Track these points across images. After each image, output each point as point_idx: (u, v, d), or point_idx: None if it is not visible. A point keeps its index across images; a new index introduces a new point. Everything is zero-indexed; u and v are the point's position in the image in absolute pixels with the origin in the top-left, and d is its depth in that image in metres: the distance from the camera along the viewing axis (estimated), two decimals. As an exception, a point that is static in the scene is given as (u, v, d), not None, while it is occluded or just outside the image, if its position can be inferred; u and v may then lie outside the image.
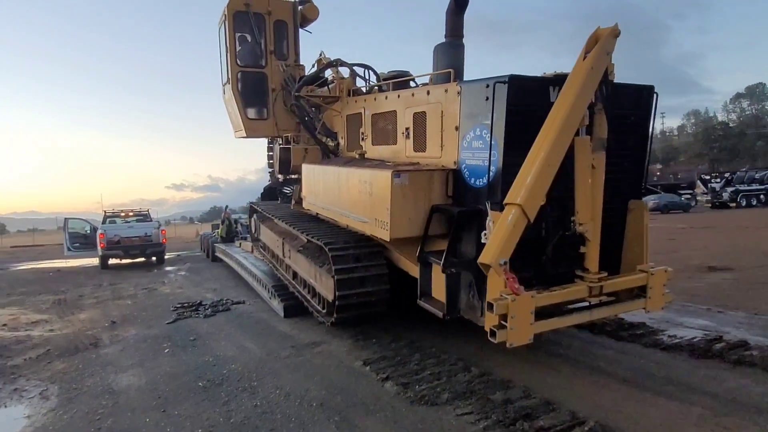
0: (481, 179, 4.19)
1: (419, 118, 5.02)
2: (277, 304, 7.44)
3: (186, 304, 8.50)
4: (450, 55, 5.32)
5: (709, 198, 32.27)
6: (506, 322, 3.55)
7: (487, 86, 3.99)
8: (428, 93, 4.93)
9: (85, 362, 5.62)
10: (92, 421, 4.01)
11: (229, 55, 7.88)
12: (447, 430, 3.28)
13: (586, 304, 4.15)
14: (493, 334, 3.63)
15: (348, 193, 5.41)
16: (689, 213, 30.17)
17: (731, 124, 62.91)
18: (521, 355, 4.64)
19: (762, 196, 30.49)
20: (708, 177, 34.54)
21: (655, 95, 4.61)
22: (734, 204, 30.13)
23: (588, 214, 3.95)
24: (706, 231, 17.04)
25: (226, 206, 19.24)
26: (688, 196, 35.98)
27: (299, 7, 8.35)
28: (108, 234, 15.87)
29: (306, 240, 6.38)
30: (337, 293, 5.26)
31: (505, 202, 3.47)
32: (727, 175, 33.39)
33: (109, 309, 8.83)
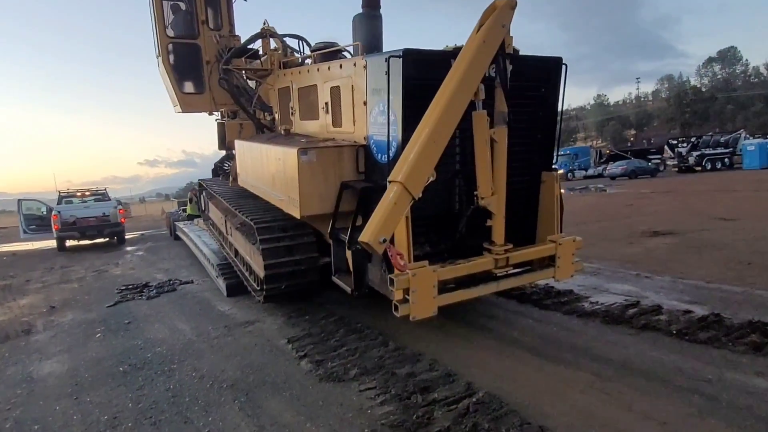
0: (384, 155, 4.13)
1: (335, 93, 4.91)
2: (221, 283, 7.38)
3: (131, 286, 8.37)
4: (366, 27, 5.18)
5: (676, 162, 32.91)
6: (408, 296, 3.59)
7: (386, 60, 3.88)
8: (341, 67, 4.81)
9: (12, 350, 5.49)
10: (1, 411, 3.94)
11: (157, 25, 7.52)
12: (346, 406, 3.30)
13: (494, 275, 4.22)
14: (396, 308, 3.70)
15: (268, 170, 5.34)
16: (657, 178, 30.80)
17: (703, 89, 63.69)
18: (441, 328, 4.70)
19: (726, 160, 31.23)
20: (675, 142, 35.11)
21: (564, 67, 4.58)
22: (700, 168, 30.81)
23: (489, 188, 3.97)
24: (666, 196, 17.41)
25: (196, 182, 18.86)
26: (657, 161, 36.63)
27: None
28: (63, 215, 15.41)
29: (241, 217, 6.30)
30: (264, 263, 5.25)
31: (388, 179, 3.42)
32: (693, 139, 34.01)
33: (53, 293, 8.63)
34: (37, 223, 17.05)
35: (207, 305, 6.68)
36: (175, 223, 15.51)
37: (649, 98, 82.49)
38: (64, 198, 17.35)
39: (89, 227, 15.65)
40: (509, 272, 4.31)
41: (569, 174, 37.82)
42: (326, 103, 5.09)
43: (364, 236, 3.32)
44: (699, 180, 23.82)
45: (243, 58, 6.89)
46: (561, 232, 4.78)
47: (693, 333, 3.97)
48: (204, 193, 10.63)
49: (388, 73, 3.89)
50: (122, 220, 16.44)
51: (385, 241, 3.32)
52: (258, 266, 5.64)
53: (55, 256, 14.63)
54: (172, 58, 7.71)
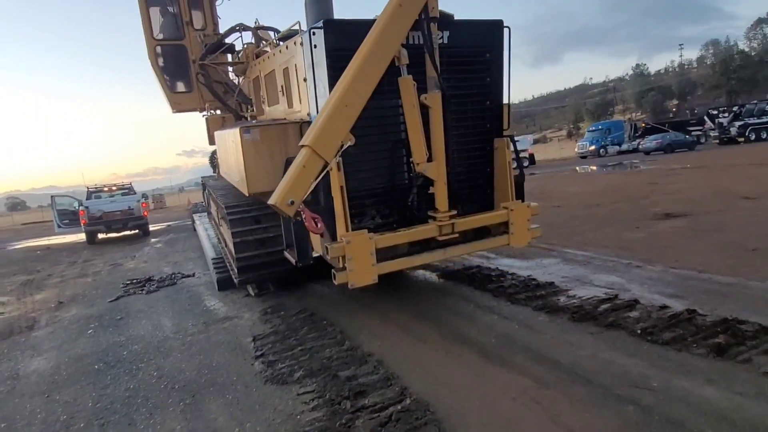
0: None
1: (286, 74, 5.11)
2: (214, 277, 7.54)
3: (135, 280, 8.68)
4: (317, 7, 5.11)
5: (717, 134, 30.97)
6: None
7: (314, 34, 3.92)
8: (287, 48, 4.93)
9: (11, 346, 5.81)
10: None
11: (143, 29, 7.64)
12: (279, 410, 3.30)
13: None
14: (334, 276, 3.87)
15: (228, 154, 5.62)
16: (696, 151, 29.11)
17: (752, 53, 59.23)
18: (402, 325, 4.61)
19: (773, 129, 29.11)
20: (716, 112, 32.97)
21: (506, 29, 4.60)
22: (743, 139, 28.87)
23: (422, 154, 4.02)
24: (696, 172, 16.43)
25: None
26: (698, 132, 34.59)
27: None
28: (90, 209, 16.15)
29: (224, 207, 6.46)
30: (234, 254, 5.56)
31: (299, 144, 3.55)
32: (735, 108, 31.81)
33: (67, 288, 9.07)
34: (70, 218, 17.88)
35: (197, 300, 6.84)
36: (193, 215, 15.95)
37: (694, 65, 77.60)
38: (93, 193, 18.13)
39: (115, 221, 16.33)
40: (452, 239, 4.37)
41: (601, 150, 36.32)
42: (281, 86, 5.22)
43: (272, 198, 3.46)
44: (738, 153, 22.34)
45: (218, 53, 6.89)
46: (520, 199, 4.84)
47: (658, 332, 3.72)
48: (207, 188, 10.90)
49: (311, 45, 3.96)
50: (145, 213, 17.04)
51: (293, 203, 3.44)
52: (231, 254, 5.95)
53: (82, 249, 15.37)
54: (160, 60, 7.83)
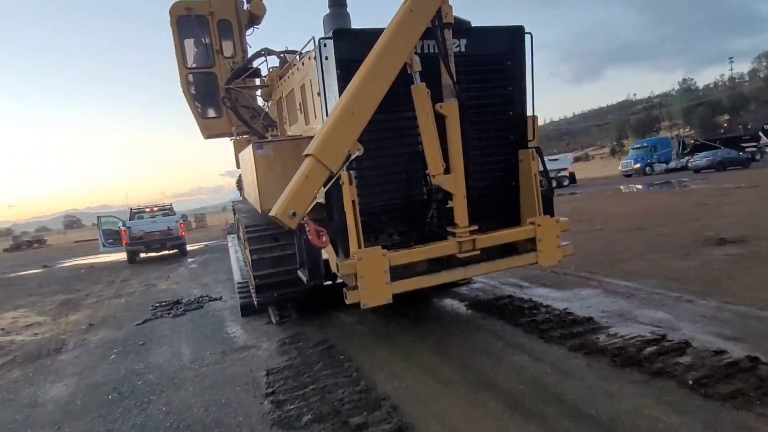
0: None
1: (303, 91, 5.04)
2: (238, 302, 7.44)
3: (164, 303, 8.72)
4: (334, 23, 5.03)
5: (774, 150, 29.02)
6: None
7: (324, 45, 3.84)
8: (303, 64, 4.85)
9: (37, 370, 5.84)
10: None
11: (176, 59, 7.83)
12: (282, 461, 3.03)
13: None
14: (345, 294, 3.72)
15: (246, 173, 5.59)
16: (750, 169, 27.33)
17: (810, 64, 55.79)
18: (423, 365, 4.27)
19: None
20: (771, 126, 30.99)
21: (528, 36, 4.38)
22: (804, 155, 26.89)
23: (439, 165, 3.84)
24: (753, 191, 15.29)
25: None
26: (752, 149, 32.58)
27: (246, 6, 8.12)
28: (132, 230, 16.67)
29: (243, 226, 6.47)
30: (253, 271, 5.56)
31: (303, 153, 3.44)
32: (795, 122, 29.78)
33: (100, 309, 9.22)
34: (114, 237, 18.54)
35: (219, 326, 6.73)
36: (228, 236, 16.17)
37: (745, 79, 73.86)
38: (136, 213, 18.75)
39: (154, 241, 16.78)
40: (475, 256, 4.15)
41: (647, 168, 34.76)
42: (299, 104, 5.18)
43: (273, 209, 3.37)
44: (801, 170, 20.74)
45: (243, 78, 6.92)
46: (550, 214, 4.54)
47: (713, 384, 3.23)
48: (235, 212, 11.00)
49: (321, 57, 3.88)
50: (182, 233, 17.44)
51: (294, 214, 3.34)
52: (251, 274, 5.93)
53: (123, 269, 15.81)
54: (192, 87, 8.00)
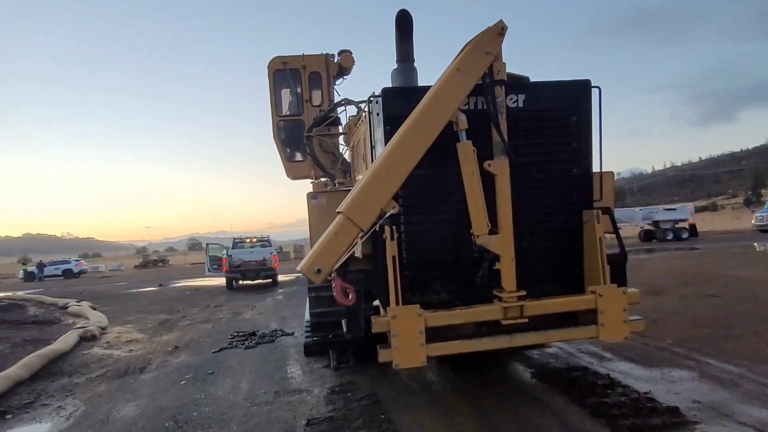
0: None
1: (365, 143, 5.17)
2: (303, 341, 7.57)
3: (241, 333, 9.17)
4: (401, 81, 5.14)
5: None
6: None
7: (376, 102, 4.02)
8: (364, 118, 5.00)
9: (121, 387, 6.41)
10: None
11: (271, 108, 8.54)
12: None
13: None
14: (378, 353, 3.67)
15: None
16: None
17: None
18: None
19: None
20: None
21: (595, 90, 4.20)
22: None
23: (484, 225, 3.72)
24: None
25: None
26: None
27: (336, 58, 8.68)
28: (232, 258, 18.08)
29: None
30: (309, 311, 5.91)
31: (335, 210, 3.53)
32: None
33: (190, 332, 9.98)
34: (218, 263, 20.25)
35: (282, 363, 6.87)
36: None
37: None
38: (238, 243, 20.34)
39: (250, 270, 18.02)
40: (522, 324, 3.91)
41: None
42: (362, 155, 5.36)
43: (300, 264, 3.50)
44: None
45: (323, 126, 7.29)
46: (620, 283, 4.18)
47: None
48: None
49: (371, 113, 4.07)
50: (275, 264, 18.51)
51: (319, 271, 3.41)
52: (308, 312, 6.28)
53: (220, 293, 17.12)
54: (282, 133, 8.64)
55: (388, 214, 3.52)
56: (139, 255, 64.98)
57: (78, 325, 10.83)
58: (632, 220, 34.57)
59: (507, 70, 3.88)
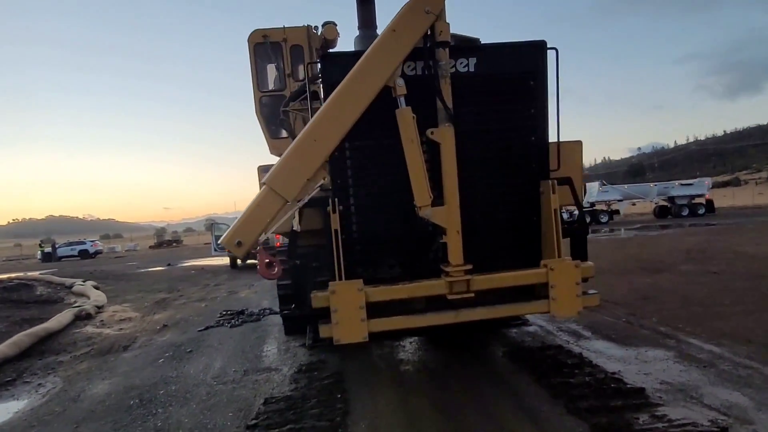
0: None
1: (311, 112, 4.92)
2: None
3: (229, 312, 9.20)
4: (363, 47, 4.83)
5: None
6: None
7: (308, 67, 4.06)
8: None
9: (101, 365, 6.47)
10: (24, 428, 4.58)
11: (252, 83, 8.32)
12: None
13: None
14: (319, 328, 3.66)
15: None
16: None
17: None
18: (415, 422, 3.80)
19: None
20: None
21: (553, 51, 3.91)
22: None
23: (426, 196, 3.55)
24: None
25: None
26: None
27: (320, 30, 8.38)
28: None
29: None
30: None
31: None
32: None
33: (182, 311, 10.06)
34: (223, 243, 20.37)
35: (261, 342, 6.85)
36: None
37: None
38: (242, 222, 20.44)
39: (252, 249, 18.09)
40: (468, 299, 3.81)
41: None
42: None
43: (222, 238, 3.46)
44: None
45: (300, 100, 7.08)
46: (581, 257, 4.08)
47: None
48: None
49: (307, 79, 4.09)
50: (277, 244, 18.54)
51: (240, 243, 3.35)
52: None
53: (223, 272, 17.27)
54: (265, 109, 8.43)
55: (318, 185, 3.44)
56: (156, 235, 66.35)
57: (76, 304, 11.03)
58: (647, 196, 33.74)
59: (457, 32, 3.65)
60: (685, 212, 31.84)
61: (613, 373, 4.42)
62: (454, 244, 3.68)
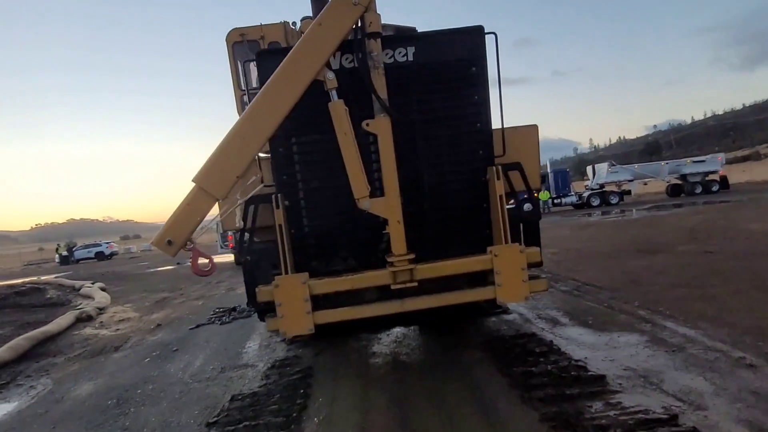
0: None
1: None
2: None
3: (222, 309, 9.32)
4: None
5: None
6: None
7: (253, 65, 4.11)
8: None
9: (89, 366, 6.63)
10: (6, 431, 4.74)
11: (233, 82, 8.33)
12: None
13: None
14: (266, 322, 3.83)
15: None
16: None
17: None
18: (370, 416, 3.81)
19: None
20: None
21: (491, 36, 3.90)
22: None
23: (363, 187, 3.57)
24: None
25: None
26: None
27: (298, 25, 8.33)
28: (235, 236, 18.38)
29: None
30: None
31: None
32: None
33: (178, 310, 10.23)
34: (227, 240, 20.63)
35: (245, 338, 6.92)
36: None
37: None
38: (245, 219, 20.66)
39: (255, 245, 18.29)
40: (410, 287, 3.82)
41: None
42: None
43: (153, 239, 3.51)
44: None
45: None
46: (535, 243, 4.18)
47: None
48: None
49: (245, 76, 4.15)
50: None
51: (170, 243, 3.37)
52: None
53: (227, 270, 17.45)
54: (245, 108, 8.45)
55: (250, 181, 3.49)
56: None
57: (79, 307, 11.30)
58: (658, 175, 33.05)
59: (393, 23, 3.61)
60: (699, 190, 31.12)
61: (578, 360, 4.36)
62: (397, 234, 3.71)
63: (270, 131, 3.45)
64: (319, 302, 4.09)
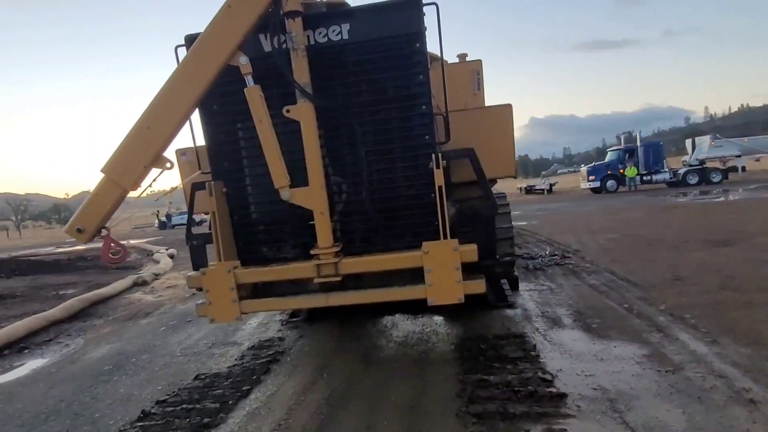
0: None
1: None
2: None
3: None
4: None
5: None
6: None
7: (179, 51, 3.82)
8: None
9: (116, 331, 7.22)
10: (19, 384, 5.28)
11: None
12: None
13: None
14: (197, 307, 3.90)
15: None
16: None
17: None
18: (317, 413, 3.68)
19: None
20: None
21: (433, 8, 3.47)
22: None
23: (283, 178, 3.46)
24: None
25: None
26: None
27: None
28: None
29: None
30: None
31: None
32: None
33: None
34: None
35: (251, 315, 7.09)
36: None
37: None
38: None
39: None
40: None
41: None
42: None
43: (65, 226, 3.62)
44: None
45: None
46: (490, 237, 3.86)
47: None
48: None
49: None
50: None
51: (80, 231, 3.44)
52: None
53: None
54: None
55: (161, 172, 3.56)
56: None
57: (141, 271, 12.40)
58: (769, 150, 28.57)
59: None
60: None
61: (548, 372, 3.85)
62: (322, 226, 3.57)
63: (178, 120, 3.41)
64: (258, 290, 4.03)
